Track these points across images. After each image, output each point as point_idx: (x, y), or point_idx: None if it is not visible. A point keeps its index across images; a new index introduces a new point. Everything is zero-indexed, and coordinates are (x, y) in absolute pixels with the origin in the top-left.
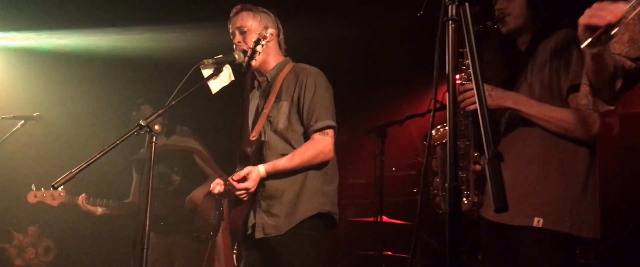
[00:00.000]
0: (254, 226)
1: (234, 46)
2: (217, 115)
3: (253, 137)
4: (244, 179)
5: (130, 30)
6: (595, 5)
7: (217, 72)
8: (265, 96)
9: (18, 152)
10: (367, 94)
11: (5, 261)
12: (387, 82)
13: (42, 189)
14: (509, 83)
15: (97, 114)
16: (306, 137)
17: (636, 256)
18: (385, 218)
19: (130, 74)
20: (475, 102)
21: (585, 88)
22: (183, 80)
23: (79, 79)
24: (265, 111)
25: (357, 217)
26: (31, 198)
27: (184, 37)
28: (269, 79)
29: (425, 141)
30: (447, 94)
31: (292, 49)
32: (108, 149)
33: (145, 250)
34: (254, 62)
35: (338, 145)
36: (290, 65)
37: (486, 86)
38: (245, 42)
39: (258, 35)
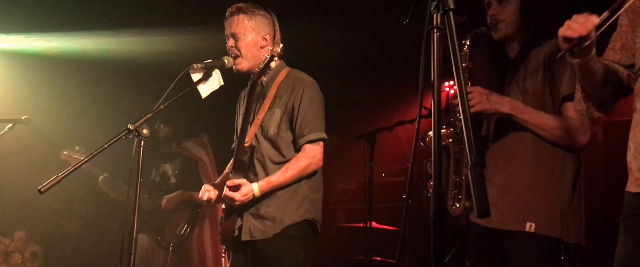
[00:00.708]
0: (240, 228)
1: (228, 49)
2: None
3: (247, 143)
4: (237, 187)
5: (120, 33)
6: (573, 17)
7: (206, 76)
8: (259, 101)
9: (5, 156)
10: (356, 100)
11: None
12: (377, 88)
13: (77, 147)
14: (498, 88)
15: (86, 117)
16: (295, 145)
17: None
18: (374, 224)
19: (120, 77)
20: (474, 105)
21: (578, 94)
22: (172, 85)
23: (68, 82)
24: (259, 117)
25: (347, 222)
26: (62, 155)
27: (174, 40)
28: (264, 84)
29: (423, 143)
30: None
31: (283, 53)
32: (95, 153)
33: (132, 255)
34: (248, 66)
35: (328, 151)
36: (285, 70)
37: (484, 91)
38: (237, 47)
39: (271, 52)
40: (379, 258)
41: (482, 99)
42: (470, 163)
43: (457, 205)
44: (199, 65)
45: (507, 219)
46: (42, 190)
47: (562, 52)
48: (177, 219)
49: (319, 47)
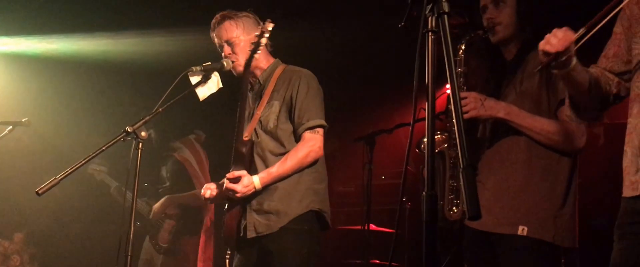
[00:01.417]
0: (245, 226)
1: (223, 56)
2: (213, 119)
3: (246, 137)
4: (237, 179)
5: (120, 35)
6: (552, 32)
7: (205, 79)
8: (257, 98)
9: (6, 157)
10: (356, 102)
11: None
12: (377, 90)
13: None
14: (494, 91)
15: (86, 119)
16: (296, 135)
17: None
18: (373, 226)
19: (120, 79)
20: (469, 111)
21: (567, 100)
22: (170, 87)
23: (68, 84)
24: (258, 113)
25: (346, 225)
26: (90, 170)
27: (174, 43)
28: (261, 81)
29: (418, 150)
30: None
31: (281, 55)
32: (93, 155)
33: (129, 257)
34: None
35: (327, 153)
36: (281, 67)
37: (479, 96)
38: (234, 53)
39: (252, 45)
40: (377, 261)
41: (477, 105)
42: (461, 166)
43: (455, 210)
44: (198, 67)
45: (500, 223)
46: (39, 192)
47: (541, 66)
48: (169, 223)
49: (318, 48)
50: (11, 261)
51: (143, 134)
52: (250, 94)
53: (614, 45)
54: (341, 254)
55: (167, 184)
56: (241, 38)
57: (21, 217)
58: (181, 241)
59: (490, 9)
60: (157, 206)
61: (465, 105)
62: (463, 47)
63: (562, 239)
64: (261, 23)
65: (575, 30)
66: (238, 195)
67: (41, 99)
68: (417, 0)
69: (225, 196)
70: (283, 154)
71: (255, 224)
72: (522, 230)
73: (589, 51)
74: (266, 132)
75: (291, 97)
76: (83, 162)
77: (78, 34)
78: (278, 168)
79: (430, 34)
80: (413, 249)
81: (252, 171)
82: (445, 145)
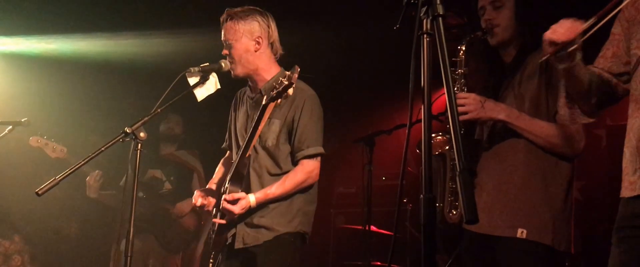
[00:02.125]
0: (234, 236)
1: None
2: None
3: (249, 154)
4: (235, 201)
5: (119, 35)
6: (559, 22)
7: (203, 80)
8: (256, 107)
9: (5, 158)
10: (356, 103)
11: None
12: (376, 91)
13: (45, 136)
14: (493, 93)
15: (85, 119)
16: (292, 157)
17: None
18: (373, 227)
19: (119, 79)
20: (466, 113)
21: (562, 99)
22: (169, 88)
23: (68, 84)
24: (258, 130)
25: (346, 226)
26: (33, 142)
27: (173, 43)
28: (263, 92)
29: (418, 150)
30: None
31: (281, 56)
32: (93, 155)
33: (129, 258)
34: (243, 71)
35: (327, 154)
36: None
37: (479, 97)
38: (230, 55)
39: (290, 79)
40: (378, 263)
41: (477, 106)
42: (458, 169)
43: (454, 212)
44: (196, 68)
45: (499, 225)
46: (39, 192)
47: (545, 56)
48: (187, 222)
49: (318, 49)
50: (12, 261)
51: (142, 134)
52: (249, 102)
53: (612, 46)
54: (342, 256)
55: (168, 186)
56: (239, 41)
57: (22, 217)
58: (196, 246)
59: (489, 10)
60: (183, 204)
61: (465, 107)
62: (464, 48)
63: (560, 242)
64: (273, 25)
65: None
66: (234, 217)
67: (41, 99)
68: (411, 3)
69: (221, 212)
70: (279, 174)
71: (244, 236)
72: (521, 233)
73: (589, 51)
74: (264, 148)
75: (293, 120)
76: (83, 162)
77: (78, 34)
78: (276, 190)
79: (425, 36)
80: (414, 251)
81: (246, 184)
82: (447, 147)
